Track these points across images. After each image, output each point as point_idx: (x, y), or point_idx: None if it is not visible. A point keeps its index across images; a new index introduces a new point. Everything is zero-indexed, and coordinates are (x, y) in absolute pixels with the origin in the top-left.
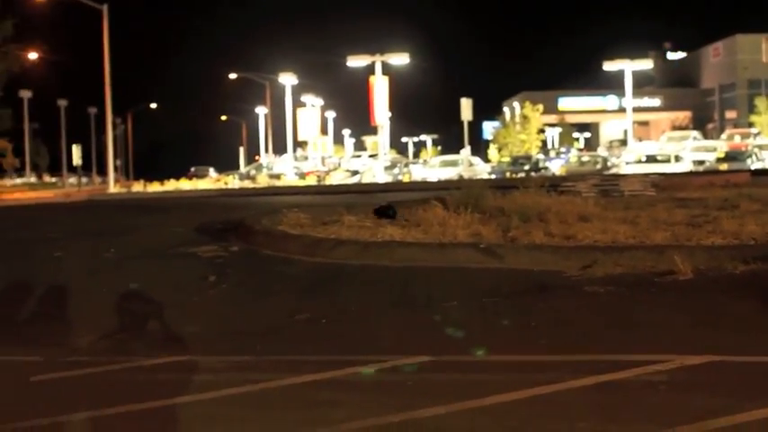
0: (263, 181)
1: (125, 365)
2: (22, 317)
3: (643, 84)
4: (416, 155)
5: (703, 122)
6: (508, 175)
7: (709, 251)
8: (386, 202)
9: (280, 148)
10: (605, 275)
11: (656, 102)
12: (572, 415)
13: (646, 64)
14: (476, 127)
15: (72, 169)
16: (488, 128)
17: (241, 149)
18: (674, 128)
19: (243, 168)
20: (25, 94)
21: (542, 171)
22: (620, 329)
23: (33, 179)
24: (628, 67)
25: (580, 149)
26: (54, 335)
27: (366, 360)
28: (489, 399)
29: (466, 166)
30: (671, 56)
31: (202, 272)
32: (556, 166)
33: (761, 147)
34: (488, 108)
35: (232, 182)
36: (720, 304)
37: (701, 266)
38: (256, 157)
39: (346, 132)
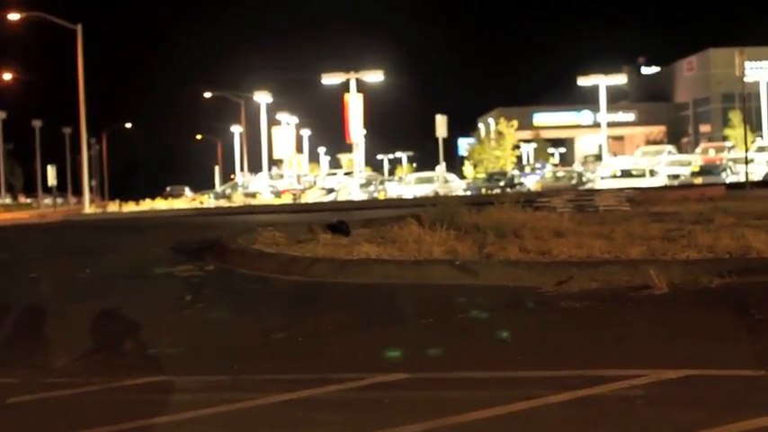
0: (238, 200)
1: (102, 386)
2: None
3: (617, 98)
4: (392, 172)
5: (678, 137)
6: (483, 191)
7: (684, 265)
8: (336, 220)
9: (255, 167)
10: (581, 291)
11: (631, 116)
12: (551, 430)
13: (619, 79)
14: (451, 143)
15: (47, 190)
16: (463, 144)
17: (216, 168)
18: (649, 142)
19: (218, 187)
20: None
21: (518, 187)
22: (596, 344)
23: (8, 200)
24: (602, 81)
25: (555, 165)
26: (30, 356)
27: (343, 378)
28: (467, 416)
29: (441, 182)
30: (645, 70)
31: (178, 291)
32: (531, 182)
33: (735, 160)
34: (463, 124)
35: (207, 201)
36: (696, 318)
37: (676, 281)
38: (232, 176)
39: (321, 150)
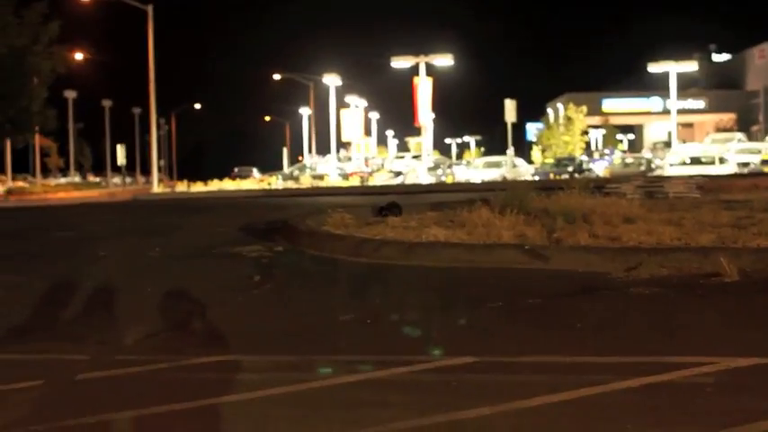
0: (306, 182)
1: (170, 364)
2: (68, 315)
3: (688, 85)
4: (460, 156)
5: (748, 125)
6: (552, 176)
7: (755, 253)
8: (387, 202)
9: (323, 149)
10: (650, 277)
11: (701, 104)
12: (619, 417)
13: (690, 66)
14: (519, 128)
15: (116, 169)
16: (532, 129)
17: (284, 150)
18: (719, 130)
19: (286, 169)
20: (70, 95)
21: (586, 173)
22: (665, 331)
23: (78, 179)
24: (672, 68)
25: (624, 151)
26: (100, 333)
27: (411, 360)
28: (535, 400)
29: (509, 167)
30: (716, 57)
31: (247, 271)
32: (600, 168)
33: None
34: (532, 109)
35: (275, 182)
36: (767, 306)
37: (746, 268)
38: (300, 158)
39: (390, 133)
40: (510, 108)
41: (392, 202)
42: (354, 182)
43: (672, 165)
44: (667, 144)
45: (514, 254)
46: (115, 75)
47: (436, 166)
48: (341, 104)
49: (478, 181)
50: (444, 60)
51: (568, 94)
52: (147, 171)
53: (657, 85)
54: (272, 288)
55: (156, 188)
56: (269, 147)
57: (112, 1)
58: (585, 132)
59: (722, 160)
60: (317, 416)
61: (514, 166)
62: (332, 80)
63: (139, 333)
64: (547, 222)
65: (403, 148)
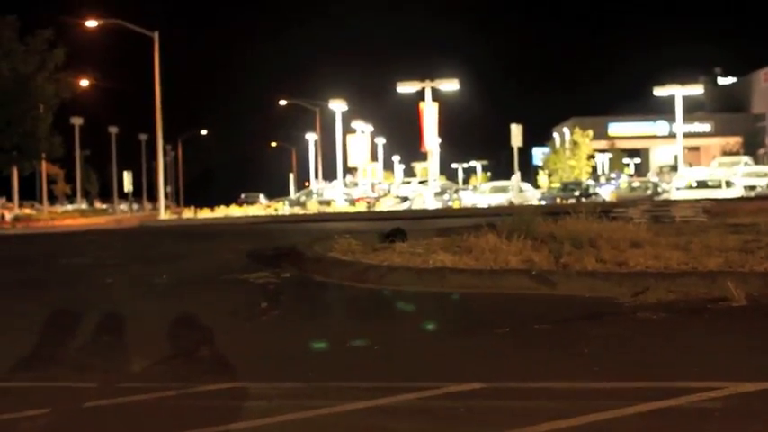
0: (313, 207)
1: (178, 391)
2: (75, 343)
3: (693, 109)
4: (466, 181)
5: (754, 148)
6: (558, 201)
7: (762, 277)
8: (392, 228)
9: (329, 175)
10: (658, 302)
11: (707, 127)
12: None
13: (696, 89)
14: (525, 153)
15: (123, 196)
16: (538, 154)
17: (291, 176)
18: (725, 153)
19: (293, 195)
20: (77, 122)
21: (593, 197)
22: (673, 356)
23: (84, 205)
24: (678, 92)
25: (630, 175)
26: (107, 361)
27: (418, 386)
28: (543, 426)
29: (516, 192)
30: (721, 81)
31: (254, 298)
32: (606, 192)
33: None
34: (538, 134)
35: (282, 208)
36: None
37: (754, 293)
38: (306, 184)
39: (396, 158)
40: (516, 133)
41: (397, 228)
42: (361, 207)
43: (678, 188)
44: (674, 168)
45: (522, 279)
46: (122, 101)
47: (443, 192)
48: (347, 130)
49: (485, 206)
50: (450, 85)
51: (574, 119)
52: (153, 197)
53: (663, 109)
54: (280, 314)
55: (163, 215)
56: (275, 173)
57: (119, 28)
58: (592, 156)
59: (729, 184)
60: None
61: (521, 190)
62: (338, 106)
63: (147, 360)
64: (554, 247)
65: (409, 173)
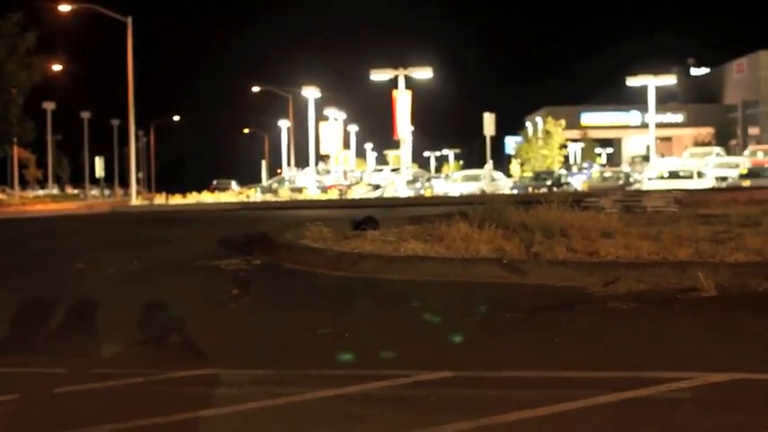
0: (285, 194)
1: (148, 378)
2: (46, 329)
3: (666, 99)
4: (438, 169)
5: (726, 139)
6: (530, 190)
7: (732, 268)
8: (364, 216)
9: (302, 162)
10: (628, 292)
11: (679, 117)
12: (596, 431)
13: (669, 79)
14: (498, 142)
15: (94, 181)
16: (511, 143)
17: (263, 163)
18: (697, 144)
19: (265, 182)
20: (49, 106)
21: (564, 186)
22: (642, 346)
23: (56, 191)
24: (651, 82)
25: (602, 165)
26: (77, 347)
27: (389, 375)
28: (513, 415)
29: (488, 180)
30: (694, 71)
31: (225, 285)
32: (578, 182)
33: None
34: (511, 123)
35: (254, 195)
36: (744, 321)
37: (724, 283)
38: (278, 171)
39: (368, 146)
40: (489, 121)
41: (369, 216)
42: (333, 195)
43: (650, 179)
44: (646, 158)
45: (493, 268)
46: (94, 86)
47: (415, 180)
48: (320, 117)
49: (457, 194)
50: (423, 73)
51: (547, 108)
52: (125, 183)
53: (636, 99)
54: (251, 302)
55: (135, 200)
56: (248, 159)
57: (92, 12)
58: (564, 146)
59: (700, 174)
60: (294, 430)
61: (493, 179)
62: (311, 92)
63: (117, 346)
64: (525, 236)
65: (382, 161)
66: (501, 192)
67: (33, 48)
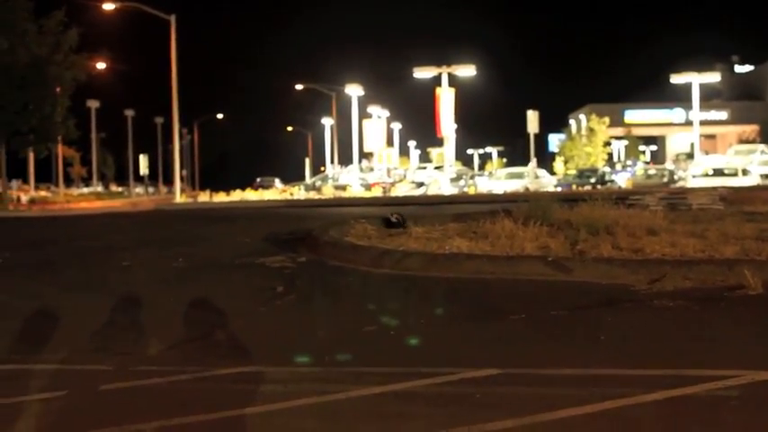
0: (328, 192)
1: (194, 375)
2: (91, 326)
3: (710, 97)
4: (482, 167)
5: None
6: (574, 187)
7: None
8: (394, 214)
9: (345, 160)
10: (674, 289)
11: (723, 115)
12: (643, 429)
13: (713, 77)
14: (541, 139)
15: (139, 179)
16: (554, 140)
17: (307, 160)
18: (742, 141)
19: (308, 179)
20: (93, 104)
21: (608, 184)
22: (689, 344)
23: (100, 188)
24: (695, 79)
25: (646, 162)
26: (123, 344)
27: (434, 372)
28: (559, 413)
29: (532, 178)
30: (738, 69)
31: (270, 282)
32: (622, 180)
33: None
34: (554, 120)
35: (298, 192)
36: None
37: None
38: (322, 168)
39: (412, 144)
40: (532, 119)
41: (398, 215)
42: (376, 192)
43: (694, 176)
44: (690, 155)
45: (537, 265)
46: (138, 84)
47: (458, 177)
48: (363, 115)
49: (501, 192)
50: (467, 71)
51: (591, 105)
52: (169, 181)
53: (680, 97)
54: (295, 299)
55: (179, 198)
56: (291, 157)
57: (136, 11)
58: (608, 143)
59: (745, 172)
60: (340, 428)
61: (537, 177)
62: (354, 90)
63: (162, 344)
64: (570, 234)
65: (425, 158)
66: (545, 189)
67: (76, 46)
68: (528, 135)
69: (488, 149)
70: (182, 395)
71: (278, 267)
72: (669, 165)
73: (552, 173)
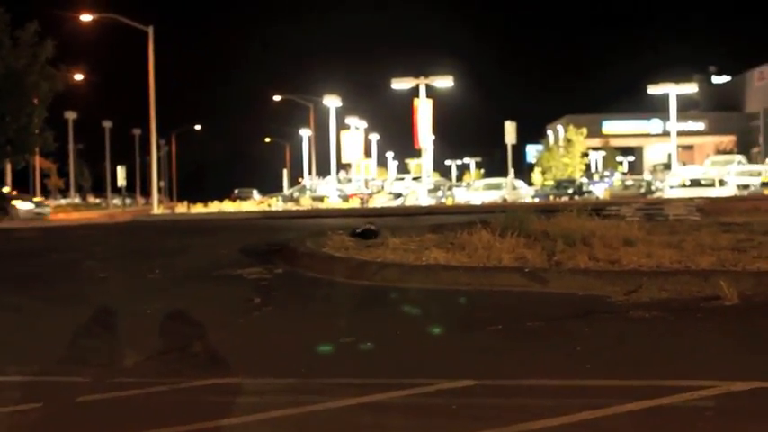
0: (306, 203)
1: (171, 386)
2: (68, 337)
3: (687, 107)
4: (460, 178)
5: (748, 147)
6: (552, 198)
7: (755, 276)
8: (364, 226)
9: (323, 171)
10: (650, 300)
11: (701, 126)
12: None
13: (690, 88)
14: (519, 150)
15: (116, 190)
16: (532, 151)
17: (285, 171)
18: (719, 152)
19: (286, 190)
20: (70, 116)
21: (586, 195)
22: (665, 354)
23: (77, 200)
24: (672, 90)
25: (624, 173)
26: (100, 355)
27: (411, 383)
28: (535, 423)
29: (509, 189)
30: (715, 80)
31: (247, 294)
32: (600, 190)
33: None
34: (532, 131)
35: (276, 204)
36: (767, 330)
37: (747, 292)
38: (300, 180)
39: (390, 155)
40: (510, 130)
41: (368, 227)
42: (354, 204)
43: (672, 187)
44: (667, 166)
45: (514, 277)
46: (115, 96)
47: (436, 188)
48: (341, 126)
49: (479, 203)
50: (444, 82)
51: (568, 116)
52: (147, 192)
53: (657, 107)
54: (272, 310)
55: (157, 209)
56: (269, 168)
57: (113, 22)
58: (585, 154)
59: (722, 183)
60: None
61: (514, 188)
62: (332, 101)
63: (139, 355)
64: (547, 245)
65: (403, 169)
66: (522, 200)
67: (52, 56)
68: (506, 146)
69: (466, 160)
70: (159, 407)
71: (255, 279)
72: (646, 175)
73: (530, 184)
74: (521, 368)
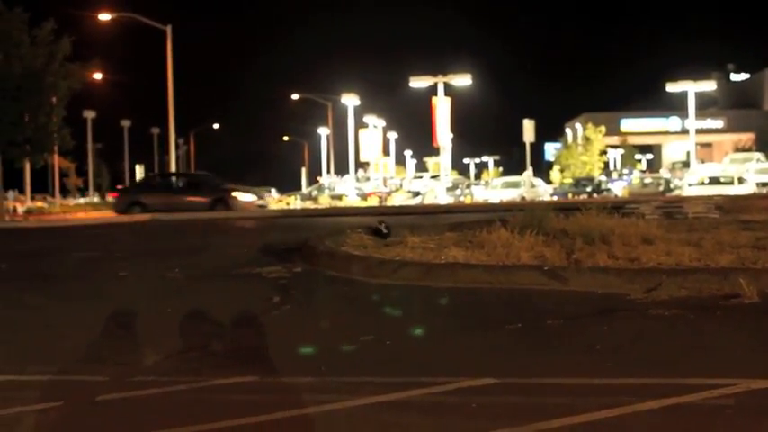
0: (324, 202)
1: (191, 385)
2: (87, 336)
3: (706, 105)
4: (478, 176)
5: (767, 144)
6: (570, 196)
7: None
8: (379, 223)
9: (341, 169)
10: (670, 298)
11: (719, 123)
12: None
13: (709, 85)
14: (538, 148)
15: None
16: (550, 149)
17: (303, 170)
18: (738, 150)
19: (305, 189)
20: (89, 115)
21: (605, 193)
22: (684, 352)
23: (96, 199)
24: (691, 88)
25: (642, 171)
26: (119, 354)
27: (430, 382)
28: (555, 422)
29: (528, 187)
30: (734, 77)
31: (266, 293)
32: (618, 188)
33: None
34: (550, 129)
35: (294, 202)
36: None
37: (767, 289)
38: (318, 178)
39: (408, 153)
40: (528, 128)
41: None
42: (373, 202)
43: (690, 185)
44: (686, 164)
45: (533, 275)
46: (134, 95)
47: (455, 187)
48: (359, 124)
49: (497, 201)
50: (463, 80)
51: (587, 114)
52: None
53: (676, 105)
54: (292, 309)
55: None
56: (287, 167)
57: (132, 21)
58: (604, 152)
59: (741, 180)
60: None
61: (533, 186)
62: (350, 100)
63: (159, 354)
64: (565, 243)
65: (421, 168)
66: (541, 198)
67: (69, 54)
68: (524, 144)
69: (485, 158)
70: (178, 405)
71: (274, 277)
72: (665, 173)
73: (548, 182)
74: (540, 366)
